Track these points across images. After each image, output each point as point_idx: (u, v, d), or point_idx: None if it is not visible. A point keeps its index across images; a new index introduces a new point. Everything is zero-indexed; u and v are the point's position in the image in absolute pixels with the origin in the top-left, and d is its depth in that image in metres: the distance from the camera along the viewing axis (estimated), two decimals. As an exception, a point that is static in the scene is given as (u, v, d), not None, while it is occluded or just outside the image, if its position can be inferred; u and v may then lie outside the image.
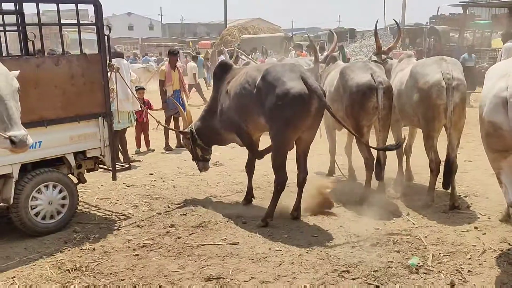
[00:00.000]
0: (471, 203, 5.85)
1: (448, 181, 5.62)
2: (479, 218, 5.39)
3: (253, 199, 6.25)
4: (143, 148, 9.65)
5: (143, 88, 9.72)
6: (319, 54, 7.81)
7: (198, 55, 21.85)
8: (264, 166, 6.52)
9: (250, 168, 6.30)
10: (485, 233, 4.96)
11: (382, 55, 6.88)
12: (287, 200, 5.85)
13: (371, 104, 5.69)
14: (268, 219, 5.39)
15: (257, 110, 5.41)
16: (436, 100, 5.34)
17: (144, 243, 4.94)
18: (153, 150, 9.66)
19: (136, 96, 8.17)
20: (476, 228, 5.10)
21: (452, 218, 5.41)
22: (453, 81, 5.28)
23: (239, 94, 5.63)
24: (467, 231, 5.03)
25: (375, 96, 5.64)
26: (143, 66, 17.76)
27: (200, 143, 6.43)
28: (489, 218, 5.37)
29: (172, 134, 9.87)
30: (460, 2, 24.16)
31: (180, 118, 9.24)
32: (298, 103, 5.05)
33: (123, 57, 9.39)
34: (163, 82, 9.61)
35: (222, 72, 6.18)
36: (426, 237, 4.91)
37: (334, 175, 7.24)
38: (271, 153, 5.42)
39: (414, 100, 5.61)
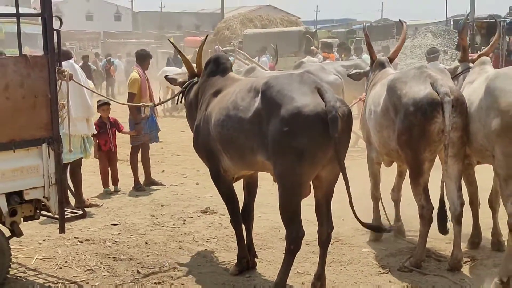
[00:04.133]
0: None
1: None
2: None
3: (248, 264, 6.12)
4: (112, 186, 9.78)
5: (108, 104, 9.78)
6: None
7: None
8: (275, 216, 6.53)
9: (246, 218, 6.24)
10: None
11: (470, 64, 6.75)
12: (306, 264, 5.86)
13: (435, 127, 5.69)
14: None
15: (250, 145, 5.39)
16: None
17: (103, 325, 4.95)
18: (118, 191, 9.71)
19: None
20: None
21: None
22: None
23: (223, 122, 5.61)
24: None
25: (441, 114, 5.63)
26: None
27: None
28: None
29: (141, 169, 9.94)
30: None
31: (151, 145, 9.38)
32: (315, 126, 4.98)
33: (71, 58, 9.48)
34: (134, 96, 9.61)
35: (213, 69, 6.31)
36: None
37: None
38: (279, 201, 5.31)
39: (492, 128, 5.50)
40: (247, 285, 5.77)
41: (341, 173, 5.14)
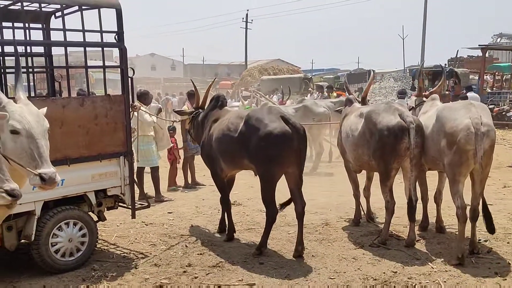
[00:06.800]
0: (492, 248, 5.75)
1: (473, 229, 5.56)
2: (499, 263, 5.29)
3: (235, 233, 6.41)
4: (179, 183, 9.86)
5: (175, 128, 9.94)
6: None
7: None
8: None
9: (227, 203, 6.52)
10: (505, 279, 4.86)
11: (424, 98, 6.74)
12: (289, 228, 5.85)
13: (403, 146, 5.69)
14: (262, 248, 5.68)
15: (239, 153, 5.73)
16: (465, 146, 5.20)
17: (161, 283, 4.95)
18: (174, 189, 9.67)
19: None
20: (496, 273, 5.00)
21: (472, 263, 5.32)
22: (483, 127, 5.16)
23: (221, 139, 5.98)
24: (487, 276, 4.94)
25: (407, 136, 5.66)
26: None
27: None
28: (509, 263, 5.27)
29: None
30: (479, 45, 24.29)
31: (196, 156, 9.34)
32: (281, 141, 5.35)
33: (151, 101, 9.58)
34: (185, 123, 9.68)
35: (215, 104, 6.59)
36: (445, 281, 4.83)
37: (361, 219, 6.97)
38: (260, 190, 5.62)
39: (441, 145, 5.48)
40: (264, 253, 5.72)
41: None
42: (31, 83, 6.62)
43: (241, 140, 5.64)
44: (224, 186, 6.43)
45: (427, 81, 24.23)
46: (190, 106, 9.68)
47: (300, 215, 5.66)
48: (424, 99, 6.74)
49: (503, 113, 19.06)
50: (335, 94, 18.96)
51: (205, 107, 6.87)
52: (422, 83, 7.29)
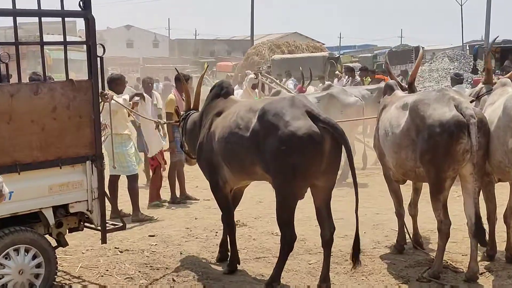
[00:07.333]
0: None
1: None
2: None
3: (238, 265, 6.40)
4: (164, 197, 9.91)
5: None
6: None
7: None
8: (300, 228, 6.51)
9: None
10: None
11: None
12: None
13: (461, 147, 5.59)
14: (274, 283, 5.60)
15: (250, 158, 5.66)
16: None
17: (140, 329, 4.97)
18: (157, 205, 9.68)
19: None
20: None
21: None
22: None
23: (226, 139, 5.90)
24: None
25: (467, 135, 5.55)
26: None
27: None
28: None
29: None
30: None
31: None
32: (308, 145, 5.25)
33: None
34: (171, 115, 9.44)
35: (217, 93, 6.56)
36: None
37: (405, 245, 6.96)
38: (276, 207, 5.57)
39: (509, 146, 5.44)
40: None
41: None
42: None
43: (254, 142, 5.55)
44: (228, 202, 6.39)
45: (493, 61, 24.12)
46: (178, 95, 9.66)
47: (327, 242, 5.62)
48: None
49: None
50: (369, 79, 18.96)
51: (199, 107, 6.88)
52: (490, 64, 7.16)
